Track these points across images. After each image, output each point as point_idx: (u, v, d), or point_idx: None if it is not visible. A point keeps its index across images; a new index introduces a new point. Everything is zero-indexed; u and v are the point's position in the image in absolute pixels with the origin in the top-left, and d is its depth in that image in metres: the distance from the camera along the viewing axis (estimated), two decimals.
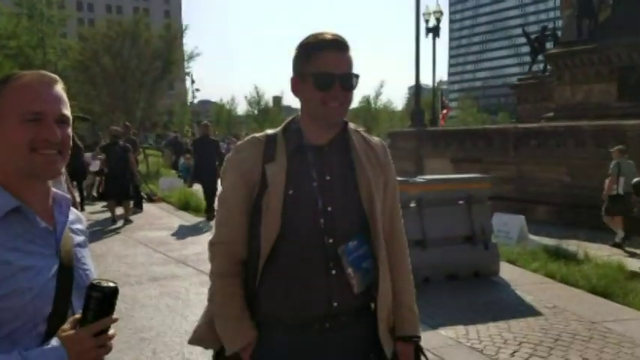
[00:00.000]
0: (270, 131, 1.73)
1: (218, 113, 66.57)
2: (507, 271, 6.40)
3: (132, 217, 10.45)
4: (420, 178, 6.91)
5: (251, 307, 1.65)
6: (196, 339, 1.73)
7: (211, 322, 1.68)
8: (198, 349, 3.96)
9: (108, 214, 10.65)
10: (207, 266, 1.78)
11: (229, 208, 1.67)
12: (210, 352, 1.77)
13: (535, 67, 22.04)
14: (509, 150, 12.20)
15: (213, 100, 79.33)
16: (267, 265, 1.60)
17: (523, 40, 22.75)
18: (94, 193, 13.70)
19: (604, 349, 4.18)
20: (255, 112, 64.41)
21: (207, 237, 8.48)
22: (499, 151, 12.47)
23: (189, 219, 10.88)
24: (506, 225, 8.33)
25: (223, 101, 70.39)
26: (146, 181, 14.24)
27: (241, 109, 72.48)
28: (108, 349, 1.21)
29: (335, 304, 1.61)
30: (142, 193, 12.63)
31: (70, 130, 1.31)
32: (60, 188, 1.40)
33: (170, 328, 4.75)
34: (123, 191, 10.32)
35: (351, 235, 1.64)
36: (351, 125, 1.75)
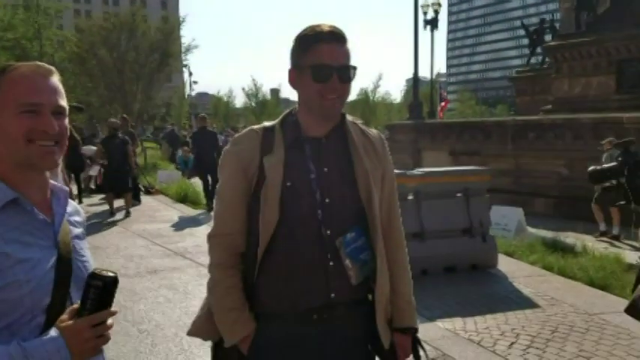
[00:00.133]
0: (267, 124, 1.73)
1: (216, 106, 66.41)
2: (505, 264, 6.42)
3: (130, 210, 10.44)
4: (418, 171, 6.92)
5: (250, 299, 1.66)
6: (195, 331, 1.74)
7: (210, 314, 1.69)
8: (197, 340, 3.98)
9: (106, 207, 10.63)
10: (205, 258, 1.78)
11: (227, 200, 1.68)
12: (208, 344, 1.77)
13: (534, 60, 22.00)
14: (508, 143, 12.21)
15: (210, 92, 79.15)
16: (265, 256, 1.61)
17: (522, 32, 22.63)
18: (92, 186, 13.68)
19: (601, 340, 4.21)
20: (253, 104, 64.28)
21: (205, 229, 8.50)
22: (497, 143, 12.47)
23: (188, 211, 10.89)
24: (505, 217, 8.35)
25: (221, 94, 70.27)
26: (144, 173, 14.23)
27: (239, 101, 72.43)
28: (106, 339, 1.21)
29: (333, 295, 1.62)
30: (140, 186, 12.62)
31: (66, 122, 1.31)
32: (57, 180, 1.40)
33: (169, 320, 4.76)
34: (122, 184, 10.31)
35: (349, 226, 1.65)
36: (349, 117, 1.75)
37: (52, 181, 1.35)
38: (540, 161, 11.41)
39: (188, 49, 37.50)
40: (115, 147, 10.34)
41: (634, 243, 7.96)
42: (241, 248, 1.67)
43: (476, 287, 5.66)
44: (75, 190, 11.56)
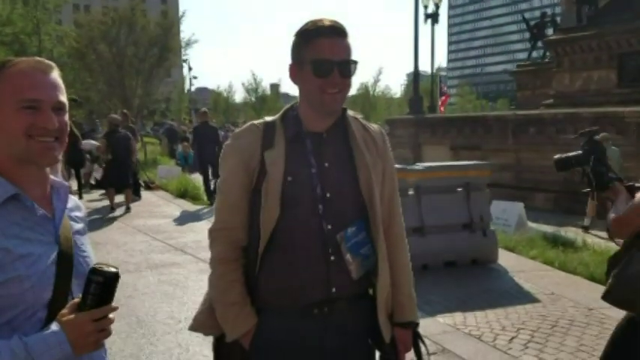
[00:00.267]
0: (268, 118, 1.73)
1: (215, 101, 66.35)
2: (505, 259, 6.42)
3: (130, 205, 10.44)
4: (418, 166, 6.91)
5: (251, 293, 1.66)
6: (197, 325, 1.74)
7: (211, 309, 1.69)
8: (198, 336, 3.98)
9: (106, 202, 10.63)
10: (205, 254, 1.78)
11: (229, 195, 1.68)
12: (209, 339, 1.77)
13: (535, 54, 21.94)
14: (508, 137, 12.19)
15: (210, 87, 79.05)
16: (266, 251, 1.61)
17: (525, 26, 22.54)
18: (92, 181, 13.67)
19: (601, 335, 4.21)
20: (253, 99, 64.23)
21: (205, 224, 8.51)
22: (498, 138, 12.46)
23: (188, 207, 10.89)
24: (505, 212, 8.35)
25: (220, 89, 70.22)
26: (144, 169, 14.22)
27: (239, 96, 72.36)
28: (107, 333, 1.21)
29: (334, 289, 1.62)
30: (141, 181, 12.62)
31: (67, 117, 1.30)
32: (56, 176, 1.40)
33: (169, 315, 4.77)
34: (123, 179, 10.29)
35: (350, 221, 1.65)
36: (350, 112, 1.74)
37: (52, 177, 1.35)
38: (541, 156, 11.38)
39: (188, 44, 37.40)
40: (118, 142, 10.33)
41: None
42: (243, 242, 1.67)
43: (476, 282, 5.66)
44: (75, 186, 11.56)
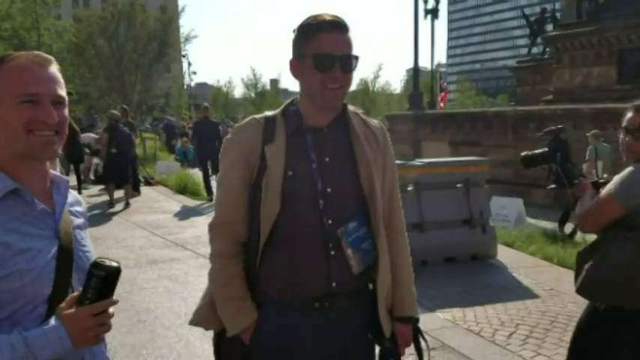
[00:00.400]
0: (269, 113, 1.72)
1: (215, 96, 66.30)
2: (505, 254, 6.43)
3: (130, 201, 10.44)
4: (418, 162, 6.91)
5: (251, 288, 1.66)
6: (197, 320, 1.75)
7: (212, 304, 1.69)
8: (198, 330, 4.00)
9: (106, 198, 10.61)
10: (205, 249, 1.78)
11: (229, 189, 1.67)
12: (209, 334, 1.78)
13: (535, 50, 21.91)
14: (508, 133, 12.18)
15: (209, 82, 78.97)
16: (267, 246, 1.61)
17: (523, 21, 22.57)
18: (92, 177, 13.65)
19: None
20: (252, 94, 64.20)
21: (205, 220, 8.50)
22: (498, 134, 12.44)
23: (187, 202, 10.88)
24: (504, 208, 8.36)
25: (220, 84, 70.16)
26: (143, 164, 14.21)
27: (238, 91, 72.38)
28: (107, 327, 1.21)
29: (334, 284, 1.63)
30: (140, 177, 12.60)
31: (66, 111, 1.30)
32: (54, 171, 1.39)
33: (169, 310, 4.78)
34: (124, 175, 10.27)
35: (351, 216, 1.65)
36: (350, 107, 1.74)
37: (52, 171, 1.35)
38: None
39: (187, 39, 37.36)
40: (122, 136, 10.31)
41: None
42: (243, 237, 1.67)
43: (476, 278, 5.67)
44: (74, 181, 11.54)
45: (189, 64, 45.49)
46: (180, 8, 37.18)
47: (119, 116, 11.09)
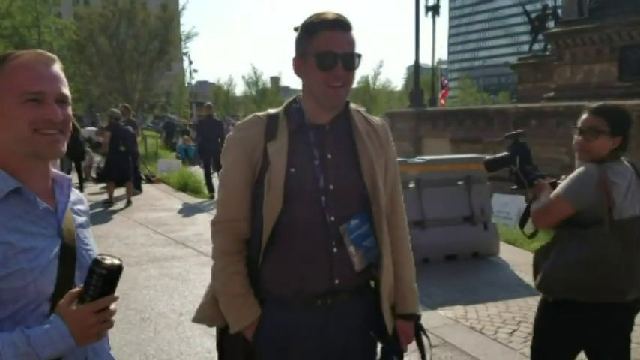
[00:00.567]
0: (271, 110, 1.73)
1: (216, 94, 66.23)
2: (506, 252, 6.43)
3: (131, 199, 10.44)
4: (419, 159, 6.90)
5: (254, 285, 1.66)
6: (200, 317, 1.75)
7: (215, 301, 1.70)
8: (199, 328, 4.01)
9: (107, 196, 10.61)
10: (206, 247, 1.78)
11: (231, 186, 1.68)
12: (211, 331, 1.78)
13: (536, 46, 21.87)
14: (510, 130, 12.10)
15: (210, 80, 78.90)
16: (269, 243, 1.61)
17: (525, 18, 22.55)
18: (93, 175, 13.65)
19: None
20: (253, 92, 64.17)
21: (206, 217, 8.52)
22: (499, 131, 12.42)
23: (189, 200, 10.89)
24: (506, 205, 8.35)
25: (221, 82, 70.12)
26: (145, 162, 14.22)
27: (239, 89, 72.33)
28: (110, 324, 1.21)
29: (336, 281, 1.63)
30: (142, 175, 12.60)
31: (70, 110, 1.30)
32: (56, 169, 1.39)
33: (170, 308, 4.79)
34: (125, 173, 10.26)
35: (353, 213, 1.66)
36: (353, 105, 1.74)
37: (53, 170, 1.35)
38: (542, 149, 11.36)
39: (188, 37, 37.34)
40: (126, 134, 10.31)
41: None
42: (245, 235, 1.67)
43: (477, 275, 5.67)
44: (75, 179, 11.54)
45: (190, 62, 45.48)
46: (180, 6, 37.10)
47: (120, 114, 11.08)
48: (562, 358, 2.48)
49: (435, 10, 23.42)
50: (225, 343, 1.73)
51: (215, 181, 10.14)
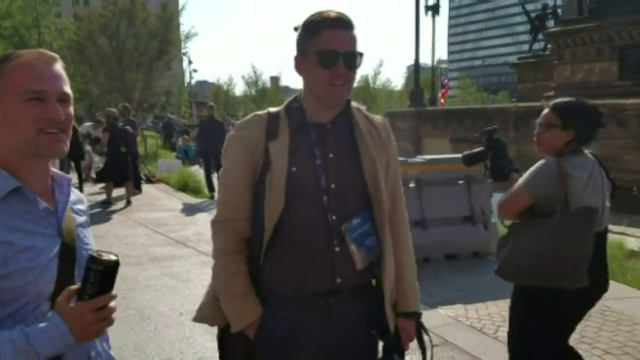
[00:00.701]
0: (272, 109, 1.72)
1: (215, 94, 66.22)
2: None
3: (131, 199, 10.44)
4: (419, 158, 6.91)
5: (256, 284, 1.66)
6: (201, 317, 1.75)
7: (216, 300, 1.69)
8: (200, 328, 4.00)
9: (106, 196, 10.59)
10: (206, 247, 1.78)
11: (232, 186, 1.67)
12: (212, 331, 1.77)
13: (536, 46, 21.87)
14: (510, 130, 12.17)
15: (210, 80, 78.93)
16: (271, 242, 1.61)
17: (524, 17, 22.56)
18: (93, 175, 13.65)
19: (602, 327, 4.22)
20: (253, 92, 64.18)
21: (206, 217, 8.51)
22: (499, 130, 12.40)
23: (189, 200, 10.89)
24: None
25: (220, 82, 70.14)
26: (145, 162, 14.21)
27: (239, 89, 72.35)
28: (110, 321, 1.20)
29: (338, 280, 1.63)
30: (141, 175, 12.60)
31: (71, 109, 1.30)
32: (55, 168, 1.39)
33: (171, 307, 4.78)
34: (124, 173, 10.24)
35: (355, 212, 1.65)
36: (354, 103, 1.74)
37: (53, 169, 1.35)
38: None
39: (187, 37, 37.33)
40: (126, 135, 10.30)
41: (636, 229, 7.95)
42: (246, 234, 1.67)
43: (477, 274, 5.66)
44: (75, 179, 11.53)
45: (190, 61, 45.56)
46: (180, 6, 37.11)
47: (118, 114, 11.05)
48: (527, 341, 2.62)
49: (434, 9, 23.42)
50: (227, 342, 1.73)
51: (215, 180, 10.15)
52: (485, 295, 4.99)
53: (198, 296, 1.88)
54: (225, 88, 69.57)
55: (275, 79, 69.69)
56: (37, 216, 1.25)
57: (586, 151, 2.55)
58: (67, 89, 1.29)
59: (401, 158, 6.00)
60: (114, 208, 9.93)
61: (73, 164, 12.09)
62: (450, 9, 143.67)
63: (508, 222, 2.75)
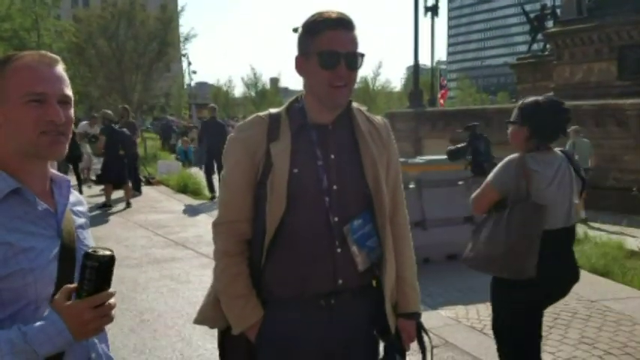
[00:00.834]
0: (273, 110, 1.71)
1: (215, 95, 66.23)
2: None
3: (131, 201, 10.43)
4: (419, 159, 6.91)
5: (257, 286, 1.65)
6: (202, 319, 1.74)
7: (216, 302, 1.68)
8: (200, 329, 4.00)
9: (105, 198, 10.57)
10: (207, 248, 1.78)
11: (233, 187, 1.67)
12: (211, 333, 1.77)
13: (535, 46, 21.87)
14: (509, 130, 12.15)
15: (209, 82, 78.98)
16: (272, 243, 1.60)
17: (524, 18, 22.56)
18: (92, 177, 13.64)
19: (603, 327, 4.22)
20: (252, 93, 64.23)
21: (206, 219, 8.51)
22: (498, 131, 12.41)
23: (189, 201, 10.88)
24: None
25: (220, 83, 70.19)
26: (144, 164, 14.21)
27: (238, 91, 72.41)
28: (110, 319, 1.19)
29: (340, 281, 1.62)
30: (141, 177, 12.59)
31: (72, 111, 1.30)
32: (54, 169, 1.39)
33: (171, 309, 4.78)
34: (122, 176, 10.22)
35: (356, 213, 1.65)
36: (355, 104, 1.74)
37: (52, 171, 1.35)
38: None
39: (187, 39, 37.33)
40: (124, 137, 10.29)
41: (636, 230, 7.95)
42: (247, 235, 1.66)
43: (478, 275, 5.59)
44: (74, 181, 11.52)
45: (189, 63, 45.40)
46: (179, 7, 37.16)
47: (113, 116, 11.02)
48: (501, 328, 2.71)
49: (433, 10, 23.42)
50: (227, 344, 1.72)
51: (216, 182, 10.14)
52: (485, 295, 4.94)
53: (198, 298, 1.88)
54: (224, 89, 69.62)
55: (274, 81, 69.78)
56: (37, 217, 1.25)
57: (556, 149, 2.63)
58: (68, 91, 1.29)
59: (401, 159, 6.00)
60: (113, 210, 9.92)
61: (71, 166, 12.09)
62: (450, 10, 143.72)
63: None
